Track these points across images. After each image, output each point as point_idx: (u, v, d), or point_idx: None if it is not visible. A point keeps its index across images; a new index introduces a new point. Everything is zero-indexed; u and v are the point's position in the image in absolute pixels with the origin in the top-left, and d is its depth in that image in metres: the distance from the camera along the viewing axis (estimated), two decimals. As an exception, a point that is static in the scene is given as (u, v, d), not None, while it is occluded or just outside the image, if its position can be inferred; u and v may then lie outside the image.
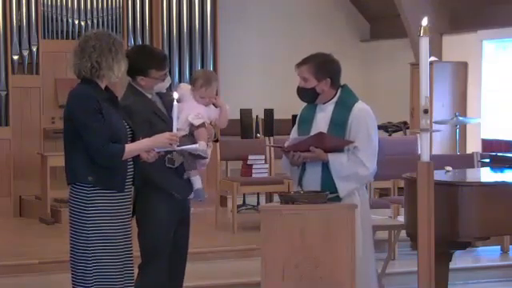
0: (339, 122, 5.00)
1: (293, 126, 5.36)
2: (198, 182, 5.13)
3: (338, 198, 4.97)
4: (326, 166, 4.98)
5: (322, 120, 5.07)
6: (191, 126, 5.14)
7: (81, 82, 4.65)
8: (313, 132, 5.05)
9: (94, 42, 4.60)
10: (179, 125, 5.03)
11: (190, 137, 5.11)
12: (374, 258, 5.23)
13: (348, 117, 5.00)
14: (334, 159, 4.95)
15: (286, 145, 5.10)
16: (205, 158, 5.12)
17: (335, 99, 5.08)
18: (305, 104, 5.21)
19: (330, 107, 5.07)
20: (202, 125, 5.15)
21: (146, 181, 4.92)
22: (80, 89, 4.63)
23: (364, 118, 5.01)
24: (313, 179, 5.02)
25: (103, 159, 4.53)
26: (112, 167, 4.56)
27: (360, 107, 5.05)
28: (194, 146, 4.96)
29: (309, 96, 5.08)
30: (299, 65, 5.06)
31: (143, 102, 5.05)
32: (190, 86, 5.30)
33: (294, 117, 5.90)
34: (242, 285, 6.75)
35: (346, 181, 4.95)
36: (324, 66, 5.05)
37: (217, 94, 5.44)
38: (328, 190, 4.89)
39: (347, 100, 5.08)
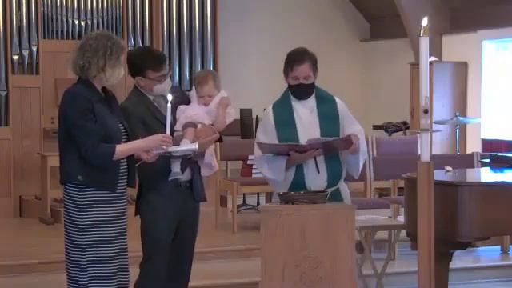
0: (330, 116, 5.08)
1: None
2: (176, 166, 5.06)
3: (337, 192, 5.05)
4: (329, 160, 4.99)
5: (307, 116, 5.08)
6: (183, 126, 5.12)
7: (77, 82, 4.66)
8: (304, 129, 5.02)
9: (92, 42, 4.60)
10: (177, 126, 5.03)
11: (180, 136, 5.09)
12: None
13: (337, 111, 5.12)
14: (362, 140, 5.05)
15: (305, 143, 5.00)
16: (191, 155, 5.06)
17: (314, 94, 5.13)
18: (270, 105, 5.19)
19: (311, 102, 5.12)
20: (191, 124, 5.12)
21: (144, 180, 4.93)
22: (74, 88, 4.64)
23: (346, 108, 5.19)
24: (317, 177, 5.01)
25: (93, 159, 4.52)
26: (103, 167, 4.55)
27: (339, 100, 5.20)
28: (188, 148, 4.93)
29: (310, 91, 5.12)
30: (300, 63, 5.04)
31: (142, 102, 5.05)
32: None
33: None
34: (242, 285, 6.75)
35: (362, 159, 5.07)
36: (316, 60, 5.12)
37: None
38: (332, 186, 5.00)
39: (326, 95, 5.18)
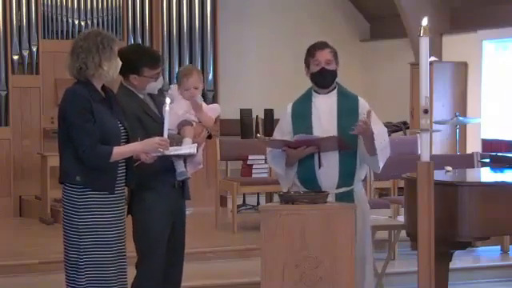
0: (350, 112, 5.09)
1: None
2: (180, 165, 5.09)
3: (350, 193, 5.04)
4: (343, 159, 5.01)
5: (326, 110, 5.09)
6: (179, 125, 5.12)
7: (77, 82, 4.65)
8: (320, 123, 5.05)
9: (82, 43, 4.59)
10: (169, 125, 5.00)
11: (179, 136, 5.09)
12: (373, 258, 5.27)
13: (357, 106, 5.13)
14: (378, 133, 5.02)
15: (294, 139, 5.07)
16: (193, 154, 5.07)
17: (336, 90, 5.17)
18: (289, 104, 5.23)
19: (333, 97, 5.14)
20: (187, 123, 5.12)
21: (142, 179, 4.92)
22: (74, 88, 4.63)
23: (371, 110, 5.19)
24: (330, 174, 5.02)
25: (90, 160, 4.52)
26: (100, 168, 4.55)
27: (363, 100, 5.21)
28: (187, 151, 4.94)
29: (332, 78, 5.14)
30: (323, 47, 5.15)
31: (135, 101, 5.02)
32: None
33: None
34: (242, 285, 6.75)
35: (384, 155, 5.05)
36: (336, 52, 5.21)
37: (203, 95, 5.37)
38: (345, 185, 5.02)
39: (348, 92, 5.21)
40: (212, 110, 5.32)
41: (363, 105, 5.16)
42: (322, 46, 5.16)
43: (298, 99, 5.23)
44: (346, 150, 5.01)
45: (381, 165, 5.08)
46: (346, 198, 5.01)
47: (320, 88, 5.15)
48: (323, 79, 5.12)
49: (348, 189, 5.05)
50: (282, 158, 5.11)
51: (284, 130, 5.18)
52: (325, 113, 5.09)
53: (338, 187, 5.03)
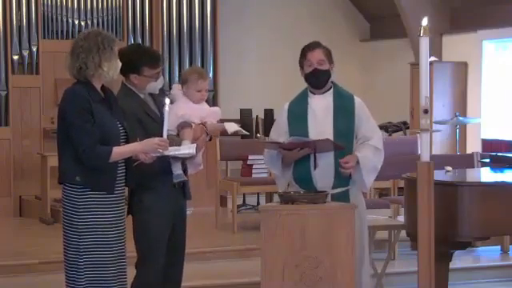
0: (345, 113, 5.09)
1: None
2: (177, 167, 5.09)
3: (346, 193, 5.03)
4: (339, 160, 4.99)
5: (322, 111, 5.09)
6: (178, 126, 5.12)
7: (76, 82, 4.65)
8: (316, 124, 5.05)
9: (82, 43, 4.59)
10: (168, 126, 5.00)
11: (178, 138, 5.09)
12: (369, 258, 5.28)
13: (353, 106, 5.12)
14: (363, 156, 5.02)
15: (286, 141, 5.08)
16: (192, 155, 5.07)
17: (332, 90, 5.17)
18: (286, 103, 5.24)
19: (328, 97, 5.14)
20: (187, 124, 5.12)
21: (142, 179, 4.92)
22: (74, 88, 4.63)
23: (366, 109, 5.18)
24: (325, 174, 5.02)
25: (89, 160, 4.52)
26: (100, 168, 4.55)
27: (359, 99, 5.20)
28: (186, 152, 4.94)
29: (325, 78, 5.13)
30: (315, 47, 5.15)
31: (135, 101, 5.02)
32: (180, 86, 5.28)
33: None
34: (242, 285, 6.75)
35: (372, 173, 5.07)
36: (330, 51, 5.21)
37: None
38: (340, 186, 5.00)
39: (344, 92, 5.20)
40: (213, 114, 5.31)
41: (359, 104, 5.16)
42: (313, 46, 5.16)
43: (294, 99, 5.23)
44: (341, 151, 5.01)
45: (368, 184, 5.11)
46: (342, 198, 5.01)
47: (314, 88, 5.15)
48: (316, 80, 5.12)
49: (344, 189, 5.05)
50: (279, 159, 5.13)
51: (280, 130, 5.19)
52: (321, 113, 5.09)
53: (333, 187, 5.02)
